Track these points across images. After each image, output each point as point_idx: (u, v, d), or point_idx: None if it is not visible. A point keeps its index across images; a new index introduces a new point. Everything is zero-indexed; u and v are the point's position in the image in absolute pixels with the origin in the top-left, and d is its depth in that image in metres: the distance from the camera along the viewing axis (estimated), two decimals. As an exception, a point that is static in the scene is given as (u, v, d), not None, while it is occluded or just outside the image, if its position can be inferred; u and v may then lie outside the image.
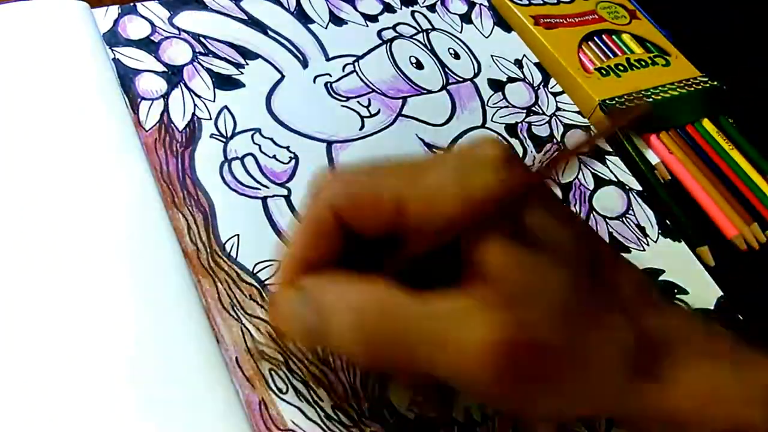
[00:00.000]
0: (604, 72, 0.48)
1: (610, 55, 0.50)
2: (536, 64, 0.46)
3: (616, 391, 0.25)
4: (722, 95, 0.50)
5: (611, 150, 0.42)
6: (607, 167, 0.41)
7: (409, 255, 0.23)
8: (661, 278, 0.37)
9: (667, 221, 0.39)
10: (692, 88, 0.49)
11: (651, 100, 0.47)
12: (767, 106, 0.51)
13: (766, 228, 0.43)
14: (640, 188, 0.40)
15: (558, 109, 0.44)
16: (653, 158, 0.45)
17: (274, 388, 0.29)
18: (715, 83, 0.50)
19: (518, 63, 0.45)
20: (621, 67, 0.49)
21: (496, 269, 0.22)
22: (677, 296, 0.36)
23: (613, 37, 0.51)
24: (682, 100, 0.48)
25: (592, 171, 0.41)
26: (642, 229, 0.39)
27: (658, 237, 0.38)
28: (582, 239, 0.25)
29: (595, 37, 0.51)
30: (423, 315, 0.22)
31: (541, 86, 0.45)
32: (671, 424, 0.26)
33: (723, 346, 0.27)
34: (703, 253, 0.39)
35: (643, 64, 0.50)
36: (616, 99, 0.46)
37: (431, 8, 0.47)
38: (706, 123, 0.48)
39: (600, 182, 0.40)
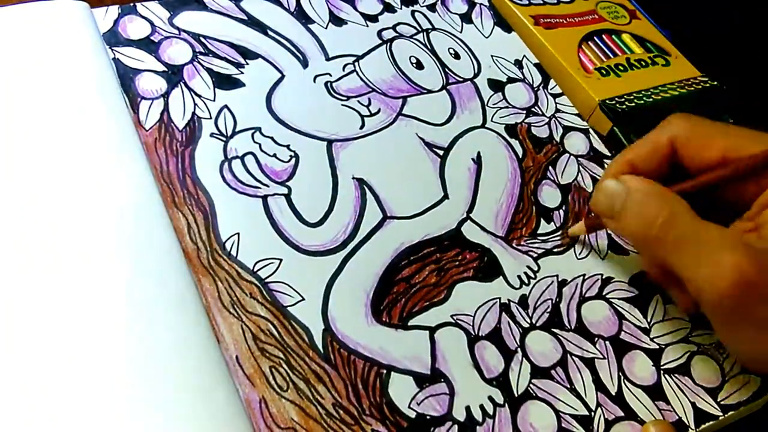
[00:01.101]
0: (604, 72, 0.48)
1: (610, 55, 0.49)
2: (536, 65, 0.46)
3: None
4: (722, 95, 0.50)
5: (611, 154, 0.42)
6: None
7: (700, 183, 0.32)
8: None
9: None
10: (692, 88, 0.49)
11: (651, 100, 0.47)
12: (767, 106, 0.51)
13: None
14: None
15: (557, 110, 0.44)
16: None
17: (275, 386, 0.29)
18: (715, 83, 0.50)
19: (518, 63, 0.45)
20: (621, 67, 0.48)
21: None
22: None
23: (613, 37, 0.51)
24: (682, 100, 0.48)
25: (591, 173, 0.41)
26: None
27: None
28: None
29: (595, 37, 0.51)
30: (699, 232, 0.28)
31: (540, 87, 0.45)
32: None
33: None
34: None
35: (643, 64, 0.50)
36: (616, 99, 0.46)
37: (431, 8, 0.47)
38: None
39: None
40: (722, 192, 0.32)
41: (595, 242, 0.38)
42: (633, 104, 0.46)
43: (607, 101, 0.45)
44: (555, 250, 0.37)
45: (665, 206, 0.29)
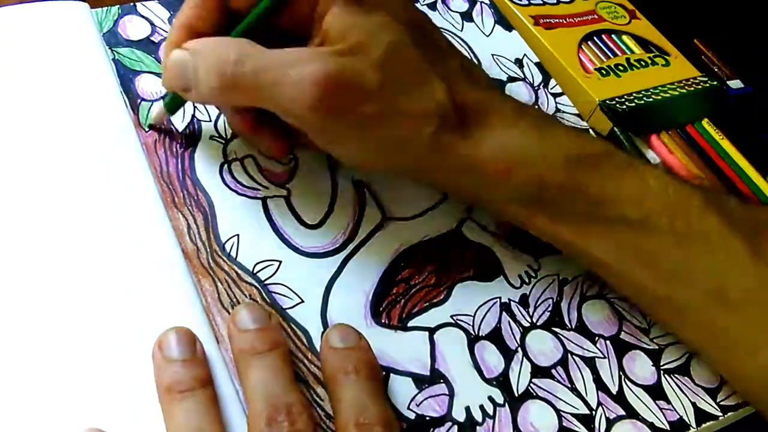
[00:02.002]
0: (604, 72, 0.48)
1: (610, 55, 0.49)
2: (537, 64, 0.46)
3: (426, 143, 0.29)
4: (722, 95, 0.50)
5: None
6: None
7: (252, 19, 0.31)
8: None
9: None
10: (692, 88, 0.49)
11: (651, 100, 0.47)
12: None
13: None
14: None
15: (558, 110, 0.44)
16: (654, 158, 0.45)
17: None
18: (715, 83, 0.50)
19: (519, 62, 0.45)
20: (621, 67, 0.48)
21: (335, 31, 0.29)
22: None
23: (613, 36, 0.51)
24: (682, 100, 0.48)
25: None
26: None
27: None
28: (415, 9, 0.32)
29: (594, 37, 0.51)
30: (273, 59, 0.28)
31: (541, 86, 0.45)
32: (478, 178, 0.31)
33: (530, 118, 0.31)
34: None
35: (643, 64, 0.50)
36: (616, 99, 0.46)
37: (432, 6, 0.47)
38: (706, 123, 0.48)
39: None
40: (281, 23, 0.31)
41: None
42: (633, 104, 0.46)
43: (607, 101, 0.45)
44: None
45: (232, 48, 0.29)
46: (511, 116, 0.31)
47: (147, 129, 0.35)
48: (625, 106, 0.45)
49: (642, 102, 0.46)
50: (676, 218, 0.30)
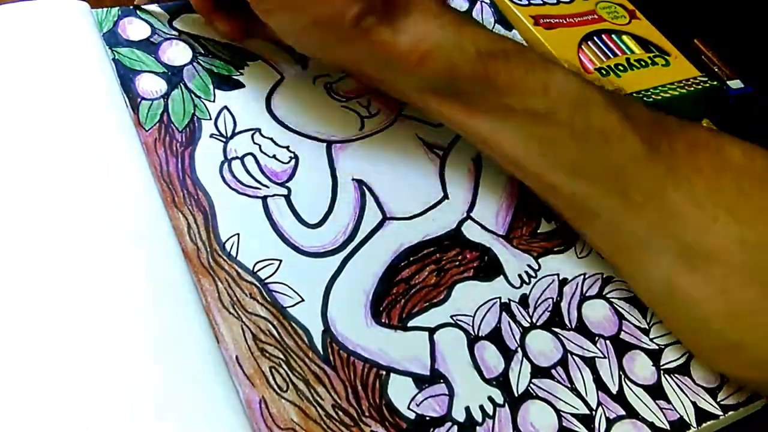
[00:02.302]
0: (605, 72, 0.48)
1: (610, 55, 0.50)
2: None
3: (350, 23, 0.32)
4: (722, 95, 0.50)
5: None
6: None
7: None
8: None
9: None
10: (692, 88, 0.49)
11: (651, 100, 0.47)
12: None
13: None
14: None
15: None
16: None
17: (275, 387, 0.29)
18: (715, 83, 0.50)
19: None
20: (621, 67, 0.48)
21: None
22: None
23: (613, 36, 0.51)
24: (682, 100, 0.48)
25: None
26: None
27: None
28: None
29: (594, 37, 0.51)
30: None
31: None
32: (395, 64, 0.33)
33: (452, 15, 0.33)
34: None
35: (643, 64, 0.50)
36: None
37: None
38: (706, 123, 0.48)
39: None
40: None
41: None
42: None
43: None
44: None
45: None
46: (434, 11, 0.33)
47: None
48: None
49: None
50: (576, 112, 0.31)
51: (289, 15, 0.34)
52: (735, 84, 0.52)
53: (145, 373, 0.28)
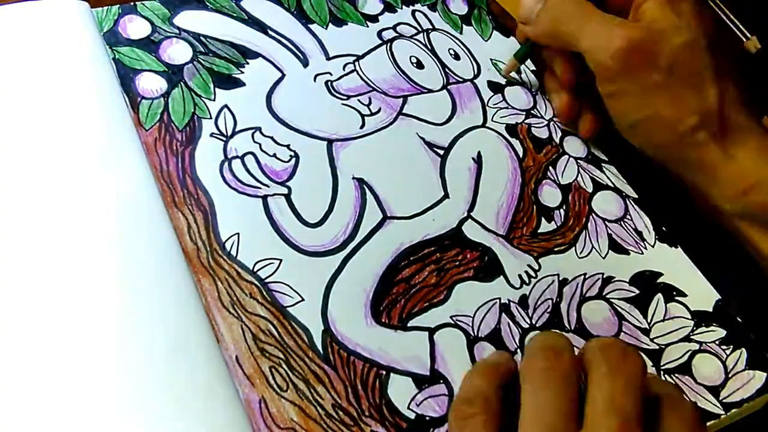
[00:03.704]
0: None
1: None
2: (533, 71, 0.46)
3: (683, 131, 0.36)
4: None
5: (608, 159, 0.42)
6: (604, 173, 0.41)
7: None
8: (660, 280, 0.37)
9: (663, 227, 0.39)
10: None
11: None
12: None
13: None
14: (635, 195, 0.40)
15: (555, 115, 0.44)
16: None
17: (275, 386, 0.29)
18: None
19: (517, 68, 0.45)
20: None
21: (648, 16, 0.36)
22: (677, 298, 0.36)
23: None
24: None
25: (591, 175, 0.41)
26: (639, 233, 0.39)
27: (655, 242, 0.38)
28: (712, 20, 0.38)
29: None
30: (598, 14, 0.37)
31: (538, 93, 0.45)
32: (717, 185, 0.36)
33: None
34: None
35: None
36: None
37: (432, 7, 0.47)
38: None
39: (598, 186, 0.40)
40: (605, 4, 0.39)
41: (596, 241, 0.38)
42: None
43: None
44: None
45: (570, 1, 0.39)
46: (766, 146, 0.36)
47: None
48: None
49: None
50: None
51: (631, 101, 0.37)
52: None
53: (145, 372, 0.28)
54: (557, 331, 0.33)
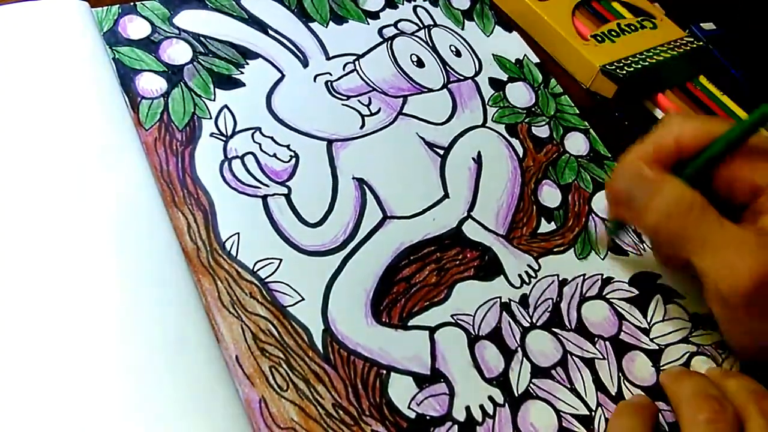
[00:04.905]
0: (600, 38, 0.49)
1: (602, 22, 0.50)
2: (537, 65, 0.46)
3: (743, 302, 0.30)
4: (707, 54, 0.52)
5: (610, 155, 0.42)
6: (605, 172, 0.41)
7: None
8: (659, 282, 0.37)
9: None
10: (681, 50, 0.50)
11: (647, 63, 0.48)
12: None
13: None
14: None
15: (558, 110, 0.44)
16: (660, 114, 0.48)
17: (275, 386, 0.29)
18: (701, 43, 0.52)
19: (519, 63, 0.45)
20: (614, 33, 0.49)
21: None
22: (675, 300, 0.36)
23: (602, 3, 0.52)
24: (674, 60, 0.49)
25: (591, 174, 0.41)
26: (639, 235, 0.39)
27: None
28: None
29: (584, 5, 0.51)
30: (719, 230, 0.30)
31: (541, 87, 0.45)
32: None
33: None
34: None
35: (633, 28, 0.51)
36: (615, 63, 0.47)
37: (434, 2, 0.47)
38: (703, 79, 0.50)
39: (598, 186, 0.40)
40: (718, 181, 0.33)
41: (595, 243, 0.38)
42: (632, 68, 0.47)
43: (607, 66, 0.46)
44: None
45: (688, 197, 0.31)
46: None
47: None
48: (625, 71, 0.46)
49: (639, 66, 0.47)
50: None
51: (749, 331, 0.32)
52: (708, 26, 0.54)
53: (145, 372, 0.28)
54: (701, 373, 0.33)
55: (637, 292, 0.36)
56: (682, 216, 0.31)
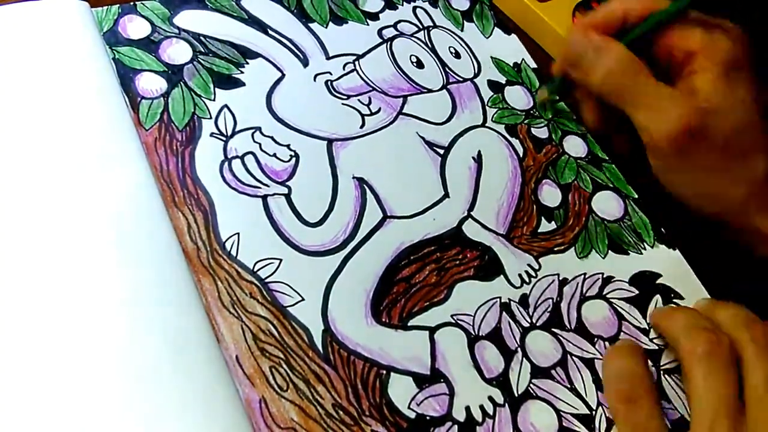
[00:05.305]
0: None
1: None
2: (534, 70, 0.46)
3: (735, 200, 0.36)
4: None
5: (609, 159, 0.42)
6: (604, 174, 0.41)
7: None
8: (658, 281, 0.37)
9: (662, 229, 0.39)
10: None
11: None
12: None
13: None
14: (635, 196, 0.40)
15: (555, 114, 0.44)
16: None
17: (275, 386, 0.29)
18: None
19: (516, 66, 0.45)
20: None
21: (704, 92, 0.35)
22: (674, 300, 0.36)
23: (601, 4, 0.52)
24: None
25: (590, 176, 0.41)
26: (638, 235, 0.39)
27: (654, 243, 0.38)
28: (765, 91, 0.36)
29: (583, 6, 0.51)
30: (655, 88, 0.35)
31: (537, 92, 0.44)
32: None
33: None
34: None
35: None
36: None
37: (433, 3, 0.47)
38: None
39: (598, 186, 0.40)
40: (655, 50, 0.37)
41: (595, 241, 0.38)
42: None
43: None
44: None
45: (629, 61, 0.36)
46: None
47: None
48: None
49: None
50: None
51: (682, 179, 0.37)
52: None
53: (145, 372, 0.28)
54: (690, 308, 0.35)
55: (637, 292, 0.36)
56: (622, 74, 0.36)
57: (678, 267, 0.38)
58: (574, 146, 0.42)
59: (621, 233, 0.38)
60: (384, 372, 0.31)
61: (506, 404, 0.31)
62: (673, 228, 0.39)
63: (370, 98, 0.40)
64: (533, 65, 0.46)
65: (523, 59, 0.46)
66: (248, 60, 0.39)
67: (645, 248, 0.38)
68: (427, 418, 0.30)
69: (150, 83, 0.37)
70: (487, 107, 0.42)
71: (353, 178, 0.37)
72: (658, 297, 0.36)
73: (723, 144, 0.35)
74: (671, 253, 0.38)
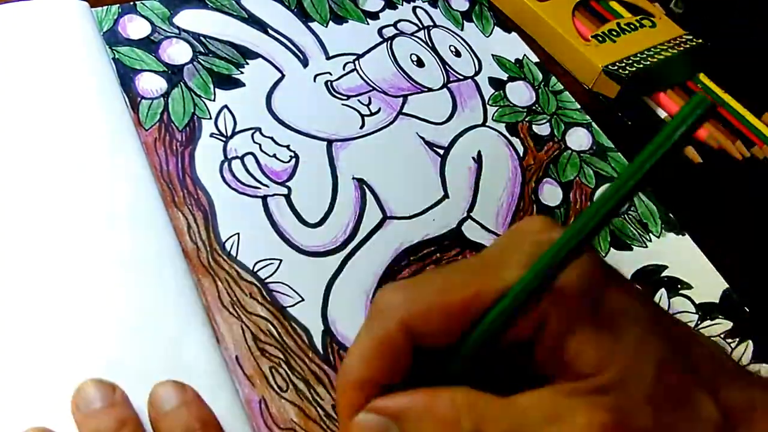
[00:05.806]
0: (601, 38, 0.49)
1: (602, 22, 0.50)
2: (537, 64, 0.46)
3: None
4: (706, 51, 0.52)
5: (614, 146, 0.42)
6: (609, 164, 0.41)
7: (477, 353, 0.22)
8: (664, 274, 0.37)
9: (671, 214, 0.39)
10: (681, 48, 0.50)
11: (648, 62, 0.48)
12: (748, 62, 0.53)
13: (752, 145, 0.48)
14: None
15: (558, 107, 0.44)
16: (662, 114, 0.48)
17: (275, 387, 0.29)
18: (700, 41, 0.51)
19: (519, 62, 0.45)
20: (614, 33, 0.49)
21: (587, 363, 0.22)
22: (681, 291, 0.36)
23: (600, 3, 0.52)
24: (674, 59, 0.49)
25: (594, 169, 0.41)
26: (644, 225, 0.39)
27: (661, 232, 0.38)
28: (660, 317, 0.24)
29: (583, 6, 0.51)
30: (521, 413, 0.21)
31: (542, 85, 0.44)
32: None
33: None
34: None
35: (633, 27, 0.51)
36: (617, 64, 0.47)
37: (433, 3, 0.47)
38: (703, 77, 0.51)
39: (601, 180, 0.40)
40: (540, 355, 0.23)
41: (596, 239, 0.38)
42: (633, 68, 0.47)
43: (609, 66, 0.46)
44: None
45: (455, 403, 0.22)
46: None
47: None
48: (627, 71, 0.46)
49: (641, 65, 0.47)
50: None
51: None
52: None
53: (145, 372, 0.28)
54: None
55: (640, 288, 0.36)
56: (472, 425, 0.21)
57: (687, 254, 0.37)
58: (578, 139, 0.42)
59: (624, 227, 0.38)
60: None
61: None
62: (682, 213, 0.39)
63: (370, 98, 0.40)
64: (536, 59, 0.46)
65: (525, 55, 0.46)
66: (248, 60, 0.39)
67: (650, 239, 0.38)
68: (427, 418, 0.30)
69: (150, 83, 0.37)
70: (488, 105, 0.42)
71: (353, 178, 0.37)
72: (663, 291, 0.36)
73: (655, 416, 0.21)
74: (680, 240, 0.38)
